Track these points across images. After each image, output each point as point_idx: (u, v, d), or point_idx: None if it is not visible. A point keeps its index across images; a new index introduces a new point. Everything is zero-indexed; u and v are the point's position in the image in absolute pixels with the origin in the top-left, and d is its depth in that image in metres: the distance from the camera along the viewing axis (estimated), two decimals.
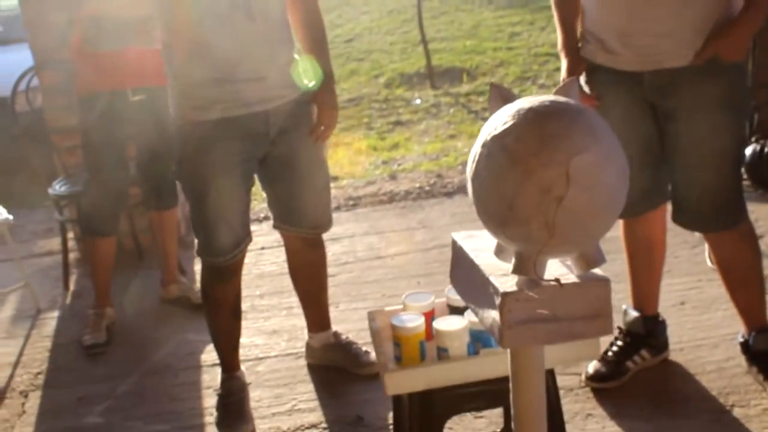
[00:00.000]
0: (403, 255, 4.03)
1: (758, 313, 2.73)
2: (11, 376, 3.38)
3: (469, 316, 2.05)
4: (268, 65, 2.63)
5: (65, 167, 3.89)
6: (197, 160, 2.67)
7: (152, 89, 3.26)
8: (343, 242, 4.24)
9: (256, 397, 3.04)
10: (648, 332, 2.90)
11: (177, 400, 3.12)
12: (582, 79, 2.64)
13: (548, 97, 1.47)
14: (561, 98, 1.47)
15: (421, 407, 2.04)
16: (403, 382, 2.01)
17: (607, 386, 2.85)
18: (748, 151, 4.20)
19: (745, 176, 4.23)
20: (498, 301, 1.47)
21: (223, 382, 2.96)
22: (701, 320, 3.21)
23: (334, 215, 4.55)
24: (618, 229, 2.87)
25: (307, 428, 2.85)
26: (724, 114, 2.48)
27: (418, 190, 4.85)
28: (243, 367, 3.09)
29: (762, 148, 4.16)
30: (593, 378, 2.86)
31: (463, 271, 1.68)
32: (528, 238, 1.42)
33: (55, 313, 3.87)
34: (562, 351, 2.01)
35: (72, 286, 4.03)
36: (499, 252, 1.54)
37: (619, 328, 2.93)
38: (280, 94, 2.67)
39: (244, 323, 3.53)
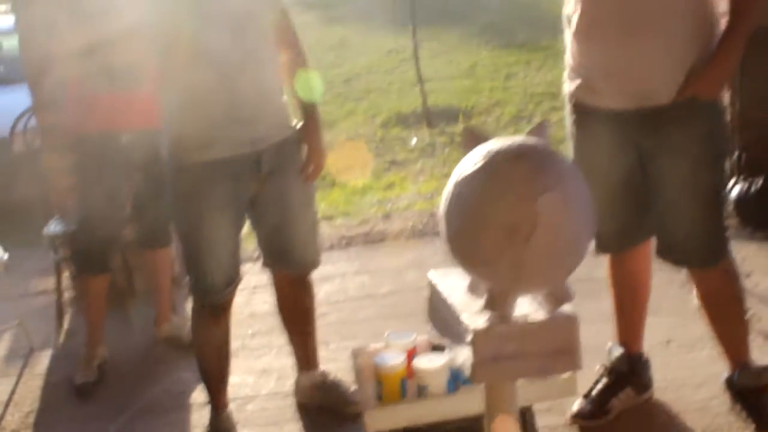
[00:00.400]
0: (394, 294, 4.06)
1: (741, 350, 2.76)
2: (2, 416, 3.40)
3: (450, 354, 2.07)
4: (260, 108, 2.69)
5: (61, 207, 3.93)
6: (190, 201, 2.72)
7: (144, 131, 3.31)
8: (335, 281, 4.27)
9: None
10: (632, 370, 2.92)
11: None
12: (568, 118, 2.70)
13: (518, 139, 1.52)
14: (530, 139, 1.52)
15: None
16: (383, 419, 2.04)
17: (591, 424, 2.86)
18: (736, 189, 4.26)
19: (734, 214, 4.29)
20: (469, 337, 1.50)
21: (211, 420, 2.99)
22: (687, 359, 3.22)
23: (327, 254, 4.62)
24: (605, 267, 2.91)
25: None
26: (705, 152, 2.53)
27: (410, 229, 4.89)
28: (232, 405, 3.11)
29: (749, 186, 4.21)
30: (578, 416, 2.88)
31: (439, 309, 1.72)
32: (497, 276, 1.46)
33: (48, 352, 3.89)
34: (539, 388, 2.05)
35: (66, 325, 4.06)
36: (473, 288, 1.58)
37: (604, 366, 2.95)
38: (271, 135, 2.72)
39: (234, 362, 3.56)
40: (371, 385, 2.13)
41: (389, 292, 4.09)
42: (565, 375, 2.06)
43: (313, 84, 2.91)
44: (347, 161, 7.18)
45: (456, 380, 2.08)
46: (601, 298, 2.98)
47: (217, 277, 2.78)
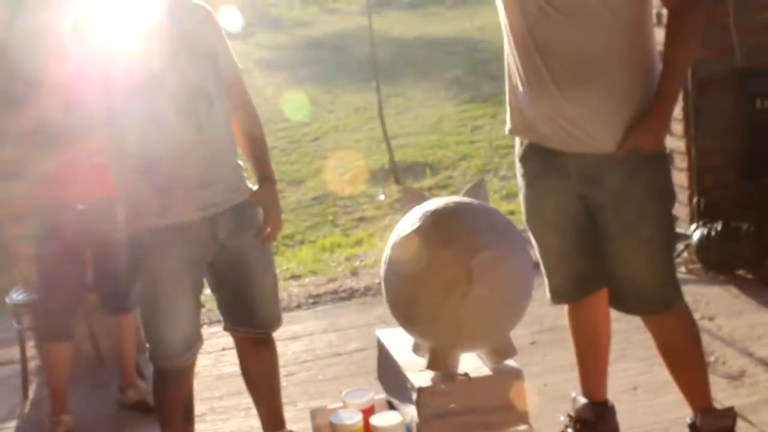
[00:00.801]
0: (361, 351, 4.05)
1: (702, 394, 2.78)
2: None
3: (400, 412, 2.07)
4: (215, 172, 2.71)
5: (24, 275, 3.91)
6: (146, 267, 2.72)
7: (102, 199, 3.32)
8: (303, 340, 4.26)
9: None
10: (598, 418, 2.92)
11: None
12: (517, 163, 2.74)
13: (454, 199, 1.55)
14: (466, 199, 1.55)
15: None
16: None
17: None
18: (697, 234, 4.31)
19: (695, 259, 4.34)
20: (414, 396, 1.51)
21: None
22: (653, 404, 3.24)
23: (295, 314, 4.64)
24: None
25: None
26: (650, 202, 2.57)
27: (378, 285, 4.90)
28: None
29: (710, 231, 4.26)
30: None
31: (387, 368, 1.73)
32: (437, 335, 1.48)
33: (13, 423, 3.84)
34: None
35: (31, 395, 4.00)
36: (416, 349, 1.59)
37: (569, 415, 2.96)
38: (226, 199, 2.74)
39: (202, 426, 3.56)
40: None
41: (356, 349, 4.09)
42: (521, 428, 2.06)
43: (267, 150, 2.95)
44: (315, 219, 7.22)
45: None
46: (567, 347, 3.00)
47: (177, 342, 2.77)
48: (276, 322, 3.01)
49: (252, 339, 3.02)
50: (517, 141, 2.75)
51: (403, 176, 7.86)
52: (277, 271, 3.12)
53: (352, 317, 4.52)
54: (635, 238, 2.58)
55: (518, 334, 3.91)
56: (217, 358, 4.17)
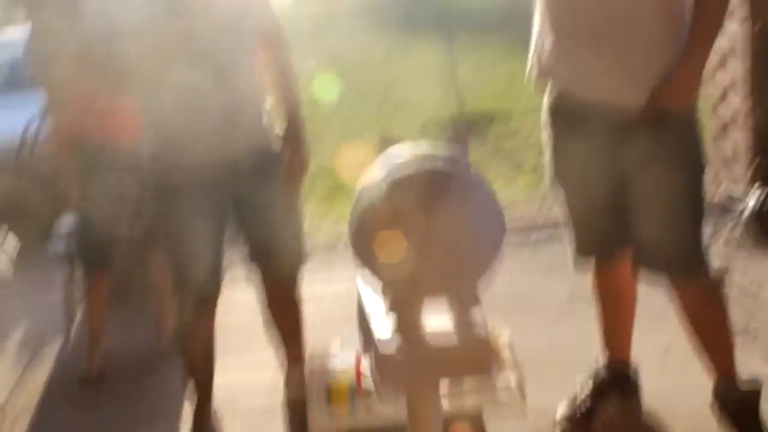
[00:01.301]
0: None
1: (726, 362, 2.68)
2: (5, 403, 3.54)
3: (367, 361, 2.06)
4: (237, 120, 2.72)
5: (72, 205, 4.00)
6: (171, 203, 2.77)
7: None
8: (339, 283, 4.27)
9: (229, 430, 3.07)
10: (618, 379, 2.86)
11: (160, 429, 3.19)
12: (544, 116, 2.67)
13: (426, 149, 1.51)
14: (438, 150, 1.51)
15: None
16: (328, 422, 2.03)
17: (575, 430, 2.82)
18: (754, 198, 4.15)
19: (750, 223, 4.18)
20: (377, 350, 1.49)
21: (195, 414, 3.02)
22: (683, 368, 3.13)
23: (337, 257, 4.64)
24: None
25: None
26: (678, 165, 2.46)
27: None
28: (224, 399, 3.15)
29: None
30: (562, 422, 2.85)
31: (362, 317, 1.71)
32: (396, 281, 1.45)
33: (57, 345, 3.98)
34: (485, 404, 2.02)
35: (76, 320, 4.13)
36: (382, 292, 1.57)
37: (591, 373, 2.90)
38: (248, 147, 2.76)
39: (233, 358, 3.61)
40: (321, 388, 2.12)
41: None
42: (511, 384, 2.03)
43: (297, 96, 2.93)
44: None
45: None
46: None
47: (199, 276, 2.81)
48: (300, 263, 3.02)
49: (275, 279, 3.04)
50: (546, 93, 2.67)
51: (471, 126, 7.78)
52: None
53: None
54: (660, 200, 2.48)
55: (554, 291, 3.89)
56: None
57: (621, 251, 2.70)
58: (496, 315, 3.60)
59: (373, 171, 1.47)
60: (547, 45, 2.54)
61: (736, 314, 3.45)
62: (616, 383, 2.86)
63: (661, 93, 2.37)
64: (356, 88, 10.27)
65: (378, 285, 1.51)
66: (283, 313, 3.11)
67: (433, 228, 1.36)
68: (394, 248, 1.40)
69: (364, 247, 1.45)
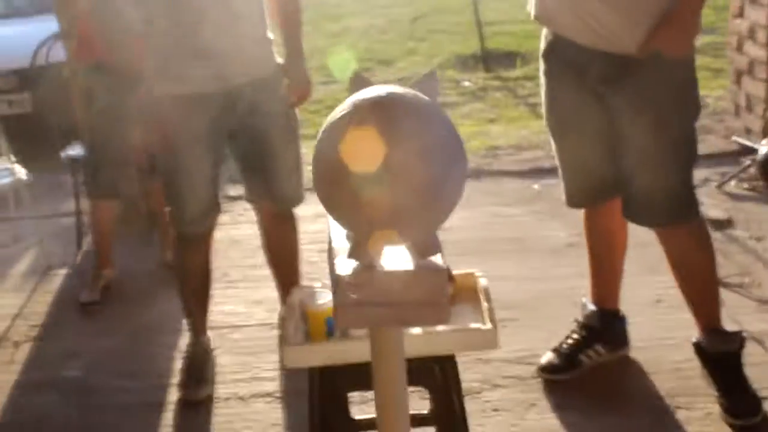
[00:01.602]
0: None
1: (711, 315, 2.70)
2: (9, 327, 3.58)
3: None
4: (235, 43, 2.70)
5: (80, 131, 4.05)
6: (165, 132, 2.78)
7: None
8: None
9: (223, 362, 3.15)
10: (604, 327, 2.89)
11: (152, 360, 3.26)
12: (540, 60, 2.65)
13: (389, 88, 1.51)
14: (401, 89, 1.51)
15: (321, 382, 2.11)
16: (301, 356, 2.08)
17: (556, 378, 2.86)
18: (765, 149, 4.10)
19: (758, 176, 4.14)
20: (334, 276, 1.52)
21: (189, 346, 3.09)
22: (673, 319, 3.16)
23: None
24: None
25: (262, 396, 2.96)
26: (670, 110, 2.45)
27: None
28: (220, 332, 3.22)
29: None
30: (544, 369, 2.88)
31: (330, 253, 1.73)
32: (355, 224, 1.47)
33: (64, 271, 4.05)
34: (456, 338, 2.06)
35: (84, 246, 4.20)
36: (347, 236, 1.59)
37: (577, 320, 2.93)
38: (246, 72, 2.74)
39: (232, 291, 3.69)
40: (300, 322, 2.16)
41: None
42: (485, 327, 2.06)
43: (300, 24, 2.91)
44: None
45: None
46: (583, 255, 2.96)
47: (194, 206, 2.84)
48: (296, 199, 3.05)
49: (273, 213, 3.07)
50: (543, 37, 2.65)
51: (492, 64, 7.70)
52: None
53: None
54: (650, 145, 2.47)
55: (554, 235, 3.90)
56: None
57: (611, 200, 2.70)
58: (494, 255, 3.70)
59: (337, 109, 1.48)
60: None
61: (732, 268, 3.47)
62: (602, 331, 2.89)
63: (657, 35, 2.34)
64: (380, 21, 10.20)
65: (336, 220, 1.53)
66: (280, 247, 3.15)
67: (388, 160, 1.37)
68: (350, 189, 1.41)
69: (324, 187, 1.46)
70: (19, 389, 3.17)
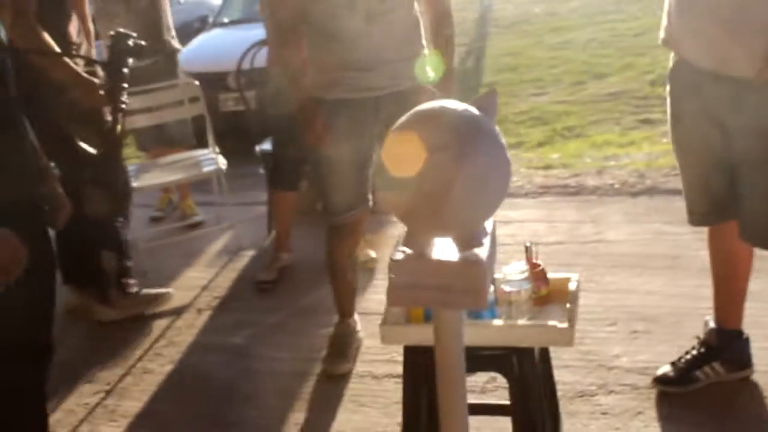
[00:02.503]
0: (557, 244, 4.22)
1: None
2: (196, 297, 4.10)
3: None
4: (381, 59, 3.02)
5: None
6: (321, 130, 3.12)
7: None
8: (511, 226, 4.48)
9: (367, 344, 3.45)
10: (723, 346, 2.91)
11: (306, 336, 3.63)
12: (666, 80, 2.77)
13: (447, 103, 1.74)
14: (458, 104, 1.73)
15: (410, 360, 2.35)
16: (395, 335, 2.33)
17: (668, 390, 2.93)
18: None
19: None
20: (389, 265, 1.78)
21: (337, 325, 3.43)
22: None
23: (519, 200, 4.86)
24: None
25: (394, 377, 3.23)
26: None
27: (607, 186, 4.96)
28: (367, 318, 3.53)
29: None
30: (658, 380, 2.96)
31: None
32: (409, 219, 1.72)
33: (251, 253, 4.54)
34: (530, 332, 2.23)
35: (273, 233, 4.66)
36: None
37: (698, 337, 2.98)
38: (389, 84, 3.05)
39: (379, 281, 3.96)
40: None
41: (554, 242, 4.26)
42: (561, 325, 2.22)
43: (453, 45, 3.17)
44: (601, 115, 7.21)
45: (470, 313, 2.30)
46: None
47: (343, 199, 3.17)
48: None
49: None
50: (670, 58, 2.75)
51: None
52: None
53: (567, 212, 4.66)
54: (766, 171, 2.51)
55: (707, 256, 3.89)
56: None
57: (731, 219, 2.74)
58: (648, 270, 3.76)
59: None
60: (673, 18, 2.62)
61: None
62: (721, 350, 2.92)
63: None
64: (603, 35, 10.19)
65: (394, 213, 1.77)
66: None
67: (426, 170, 1.60)
68: (396, 190, 1.66)
69: (380, 187, 1.72)
70: (194, 349, 3.65)
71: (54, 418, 3.08)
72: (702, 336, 2.96)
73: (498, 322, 2.27)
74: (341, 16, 2.95)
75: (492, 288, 2.31)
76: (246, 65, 4.76)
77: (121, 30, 3.42)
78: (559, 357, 3.21)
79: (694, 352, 2.95)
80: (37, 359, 2.31)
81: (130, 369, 3.51)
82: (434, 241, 1.77)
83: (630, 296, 3.64)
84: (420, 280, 1.76)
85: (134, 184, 4.29)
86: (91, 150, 3.52)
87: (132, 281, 3.91)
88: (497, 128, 1.76)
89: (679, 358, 2.97)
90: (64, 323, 3.60)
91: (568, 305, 2.30)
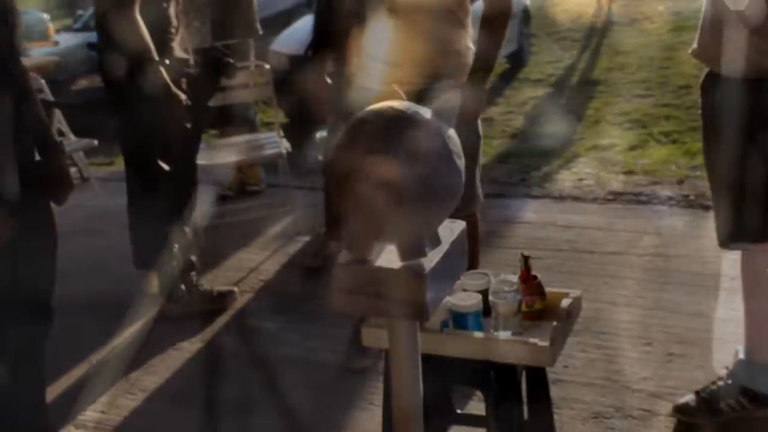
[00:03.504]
0: (612, 254, 4.06)
1: None
2: (243, 278, 4.15)
3: (458, 299, 2.24)
4: (407, 56, 2.99)
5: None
6: None
7: None
8: (572, 231, 4.34)
9: None
10: (752, 379, 2.73)
11: (339, 327, 3.59)
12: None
13: (399, 104, 1.67)
14: (410, 105, 1.67)
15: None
16: (375, 338, 2.28)
17: (686, 419, 2.77)
18: None
19: None
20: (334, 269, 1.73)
21: (357, 321, 3.39)
22: None
23: (586, 205, 4.70)
24: None
25: None
26: None
27: (681, 197, 4.73)
28: None
29: None
30: (677, 408, 2.81)
31: None
32: (353, 224, 1.66)
33: (306, 238, 4.55)
34: (508, 348, 2.14)
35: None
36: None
37: (726, 367, 2.80)
38: (416, 81, 2.99)
39: None
40: None
41: (609, 251, 4.10)
42: (541, 343, 2.12)
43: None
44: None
45: (453, 322, 2.23)
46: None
47: None
48: (470, 204, 3.20)
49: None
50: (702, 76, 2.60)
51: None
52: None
53: (632, 221, 4.48)
54: None
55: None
56: None
57: (762, 243, 2.57)
58: (703, 290, 3.58)
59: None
60: (705, 29, 2.48)
61: None
62: (749, 386, 2.74)
63: None
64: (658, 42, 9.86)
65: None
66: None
67: (366, 174, 1.55)
68: (340, 191, 1.61)
69: (330, 180, 1.68)
70: (226, 330, 3.70)
71: (73, 386, 3.17)
72: (730, 366, 2.79)
73: (479, 334, 2.19)
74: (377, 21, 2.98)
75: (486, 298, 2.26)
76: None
77: (216, 45, 3.38)
78: (584, 374, 3.11)
79: (720, 383, 2.78)
80: (36, 320, 2.38)
81: (160, 344, 3.57)
82: (380, 247, 1.72)
83: (674, 316, 3.46)
84: (359, 286, 1.71)
85: (200, 162, 4.35)
86: (165, 167, 3.52)
87: (196, 276, 3.90)
88: (453, 134, 1.70)
89: (704, 388, 2.81)
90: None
91: (555, 323, 2.19)
